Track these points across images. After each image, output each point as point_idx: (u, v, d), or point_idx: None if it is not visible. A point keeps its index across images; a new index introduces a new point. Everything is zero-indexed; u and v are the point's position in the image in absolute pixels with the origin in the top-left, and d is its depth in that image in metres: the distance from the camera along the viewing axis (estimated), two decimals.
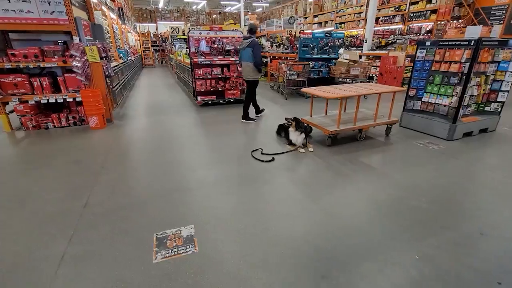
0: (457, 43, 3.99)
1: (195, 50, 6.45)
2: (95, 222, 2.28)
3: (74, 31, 4.51)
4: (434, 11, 10.62)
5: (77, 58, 4.50)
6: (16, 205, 2.54)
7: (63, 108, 5.06)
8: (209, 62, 6.29)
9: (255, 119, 5.42)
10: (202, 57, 6.32)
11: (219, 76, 6.48)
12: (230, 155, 3.68)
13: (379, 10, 12.69)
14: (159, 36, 20.77)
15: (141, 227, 2.21)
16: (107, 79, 5.35)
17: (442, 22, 10.14)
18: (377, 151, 3.81)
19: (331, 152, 3.76)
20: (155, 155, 3.70)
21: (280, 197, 2.66)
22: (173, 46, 12.57)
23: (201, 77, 6.33)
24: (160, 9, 21.44)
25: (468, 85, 3.90)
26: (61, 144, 4.13)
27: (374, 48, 9.99)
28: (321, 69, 7.59)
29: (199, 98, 6.49)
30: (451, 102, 4.08)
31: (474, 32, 3.93)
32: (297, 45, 9.69)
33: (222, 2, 28.42)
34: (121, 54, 8.94)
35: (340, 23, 16.15)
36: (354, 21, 15.10)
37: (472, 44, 3.77)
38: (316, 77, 7.61)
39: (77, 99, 4.79)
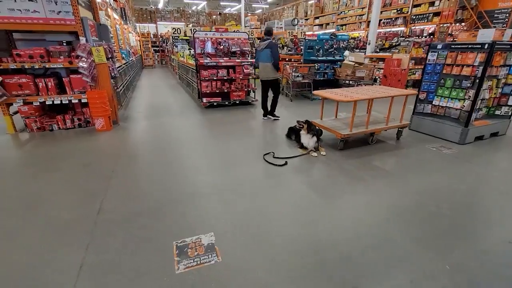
0: (470, 46, 3.97)
1: (200, 51, 6.38)
2: (111, 229, 2.20)
3: (80, 32, 4.42)
4: (436, 14, 10.64)
5: (83, 59, 4.42)
6: (27, 211, 2.46)
7: (68, 110, 4.97)
8: (215, 64, 6.22)
9: (279, 117, 5.58)
10: (208, 58, 6.25)
11: (225, 78, 6.42)
12: (242, 159, 3.62)
13: (381, 12, 12.70)
14: (159, 36, 20.66)
15: (159, 235, 2.14)
16: (112, 80, 5.27)
17: (445, 25, 10.16)
18: (390, 155, 3.76)
19: (343, 156, 3.71)
20: (165, 158, 3.62)
21: (299, 203, 2.60)
22: (174, 47, 12.49)
23: (207, 78, 6.27)
24: (160, 10, 21.34)
25: (481, 88, 3.87)
26: (68, 146, 4.04)
27: (378, 50, 9.98)
28: (327, 71, 7.55)
29: (204, 99, 6.42)
30: (464, 106, 4.05)
31: (487, 35, 3.90)
32: (301, 47, 9.68)
33: (222, 3, 28.42)
34: (123, 55, 8.85)
35: (342, 25, 16.17)
36: (355, 23, 15.12)
37: (486, 47, 3.74)
38: (321, 79, 7.57)
39: (83, 101, 4.71)
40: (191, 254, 1.93)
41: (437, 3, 10.68)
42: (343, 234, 2.15)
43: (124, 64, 7.96)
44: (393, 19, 12.74)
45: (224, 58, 6.40)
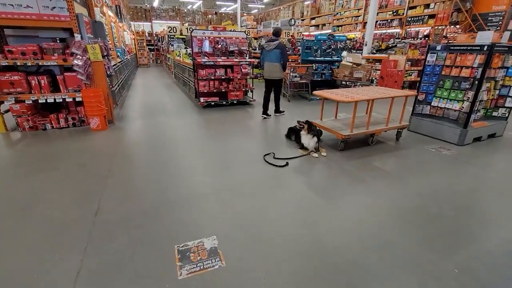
0: (469, 48, 3.99)
1: (198, 50, 6.30)
2: (109, 231, 2.12)
3: (75, 28, 4.31)
4: (431, 16, 10.76)
5: (78, 56, 4.31)
6: (23, 212, 2.36)
7: (61, 109, 4.84)
8: (212, 63, 6.15)
9: (270, 115, 5.73)
10: (206, 57, 6.18)
11: (223, 77, 6.36)
12: (242, 159, 3.56)
13: (377, 14, 12.78)
14: (154, 35, 20.46)
15: (160, 238, 2.07)
16: (108, 78, 5.15)
17: (440, 27, 10.28)
18: (391, 156, 3.75)
19: (344, 157, 3.68)
20: (163, 158, 3.54)
21: (301, 204, 2.56)
22: (170, 46, 12.36)
23: (204, 78, 6.19)
24: (155, 8, 21.12)
25: (481, 90, 3.89)
26: (62, 146, 3.92)
27: (374, 51, 10.03)
28: (324, 71, 7.54)
29: (201, 99, 6.34)
30: (463, 107, 4.07)
31: (485, 37, 3.93)
32: (299, 47, 9.66)
33: (217, 3, 28.30)
34: (118, 53, 8.70)
35: (338, 26, 16.24)
36: (351, 24, 15.19)
37: (485, 49, 3.77)
38: (319, 79, 7.57)
39: (77, 99, 4.59)
40: (194, 259, 1.86)
41: (432, 5, 10.81)
42: (346, 236, 2.12)
43: (119, 62, 7.83)
44: (389, 20, 12.84)
45: (222, 57, 6.33)
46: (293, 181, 3.01)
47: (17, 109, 4.42)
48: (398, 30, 12.50)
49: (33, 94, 4.38)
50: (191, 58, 7.93)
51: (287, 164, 3.39)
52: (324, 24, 17.50)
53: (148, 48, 19.47)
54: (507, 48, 3.97)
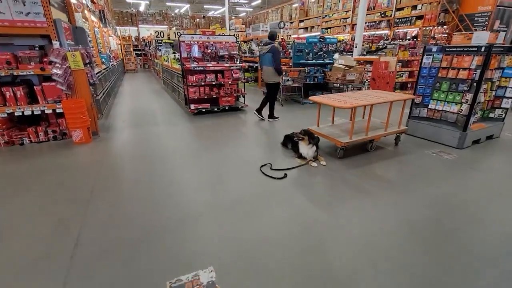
0: (465, 49, 3.91)
1: (186, 56, 6.06)
2: (90, 267, 1.86)
3: (53, 35, 4.01)
4: (419, 17, 10.85)
5: (57, 65, 4.01)
6: None
7: (40, 121, 4.50)
8: (202, 68, 5.92)
9: (264, 119, 5.72)
10: (195, 63, 5.94)
11: (213, 83, 6.13)
12: (237, 172, 3.34)
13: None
14: (141, 40, 20.03)
15: (149, 273, 1.82)
16: (91, 87, 4.85)
17: (428, 28, 10.36)
18: (392, 163, 3.61)
19: (344, 165, 3.51)
20: (152, 174, 3.29)
21: (304, 222, 2.36)
22: (158, 51, 12.06)
23: (194, 84, 5.95)
24: (141, 13, 20.71)
25: (479, 92, 3.81)
26: (41, 162, 3.61)
27: (365, 53, 10.01)
28: (317, 74, 7.42)
29: (192, 106, 6.09)
30: (461, 110, 3.98)
31: (481, 38, 3.86)
32: (289, 50, 9.53)
33: (205, 6, 28.10)
34: (103, 59, 8.35)
35: (326, 28, 16.27)
36: (340, 26, 15.24)
37: (482, 50, 3.69)
38: (311, 82, 7.44)
39: (58, 111, 4.28)
40: None
41: (419, 7, 10.90)
42: (358, 260, 1.93)
43: (104, 69, 7.49)
44: (377, 22, 12.91)
45: (212, 63, 6.11)
46: (293, 195, 2.81)
47: None
48: (386, 31, 12.58)
49: (8, 106, 4.04)
50: (179, 63, 7.68)
51: (285, 176, 3.19)
52: (312, 27, 17.52)
53: (135, 53, 19.05)
54: (502, 49, 3.92)
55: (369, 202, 2.67)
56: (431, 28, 10.41)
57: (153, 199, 2.72)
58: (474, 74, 3.79)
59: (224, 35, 7.86)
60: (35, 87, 4.17)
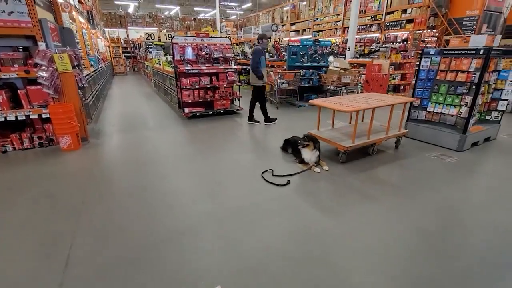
0: (464, 52, 3.91)
1: (180, 58, 5.89)
2: None
3: (39, 36, 3.78)
4: (409, 21, 11.01)
5: (43, 67, 3.78)
6: None
7: (25, 127, 4.23)
8: (196, 71, 5.76)
9: (259, 122, 5.64)
10: (189, 65, 5.78)
11: (208, 86, 5.98)
12: (237, 179, 3.20)
13: None
14: (130, 42, 19.64)
15: None
16: (79, 91, 4.61)
17: (418, 32, 10.53)
18: (394, 167, 3.55)
19: (346, 170, 3.42)
20: (148, 183, 3.10)
21: (312, 231, 2.23)
22: (149, 53, 11.80)
23: (188, 87, 5.78)
24: (130, 14, 20.33)
25: (479, 94, 3.81)
26: (26, 172, 3.36)
27: (358, 56, 10.07)
28: (312, 77, 7.37)
29: (186, 110, 5.91)
30: (461, 112, 3.97)
31: (479, 41, 3.87)
32: (284, 53, 9.47)
33: (195, 9, 27.91)
34: (92, 62, 8.06)
35: (318, 31, 16.36)
36: (331, 29, 15.35)
37: (481, 53, 3.69)
38: (307, 85, 7.38)
39: (44, 116, 4.03)
40: None
41: (409, 11, 11.07)
42: (375, 275, 1.82)
43: (93, 72, 7.22)
44: (368, 25, 13.05)
45: (206, 65, 5.96)
46: (297, 202, 2.69)
47: None
48: (377, 34, 12.72)
49: None
50: (172, 66, 7.49)
51: (288, 182, 3.07)
52: (304, 30, 17.59)
53: (125, 56, 18.64)
54: (498, 52, 3.94)
55: (376, 209, 2.58)
56: (421, 31, 10.58)
57: (149, 211, 2.54)
58: (473, 77, 3.79)
59: (219, 37, 7.72)
60: (18, 90, 3.92)
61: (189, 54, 5.92)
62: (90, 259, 1.93)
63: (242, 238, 2.16)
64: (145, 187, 2.98)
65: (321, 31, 16.11)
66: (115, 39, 18.06)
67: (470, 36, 4.04)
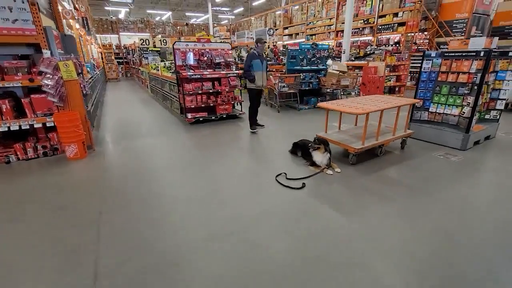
0: (464, 54, 4.04)
1: (181, 63, 5.87)
2: None
3: (44, 44, 3.72)
4: (401, 24, 11.30)
5: (48, 75, 3.71)
6: None
7: (28, 136, 4.14)
8: (199, 76, 5.76)
9: (263, 126, 5.47)
10: (191, 70, 5.77)
11: (210, 91, 5.97)
12: (251, 183, 3.21)
13: None
14: (123, 47, 19.46)
15: None
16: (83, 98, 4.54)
17: (410, 34, 10.81)
18: (403, 167, 3.61)
19: (358, 171, 3.47)
20: (163, 190, 3.07)
21: (340, 235, 2.25)
22: (144, 59, 11.72)
23: (191, 92, 5.76)
24: (122, 20, 20.17)
25: (480, 95, 3.93)
26: (33, 183, 3.28)
27: (353, 58, 10.26)
28: (312, 80, 7.46)
29: (189, 115, 5.89)
30: (463, 112, 4.09)
31: (478, 43, 4.01)
32: (281, 57, 9.57)
33: (187, 14, 27.92)
34: (88, 68, 7.95)
35: (311, 35, 16.59)
36: (324, 33, 15.59)
37: (482, 55, 3.82)
38: (307, 88, 7.46)
39: (48, 124, 3.95)
40: None
41: (400, 14, 11.37)
42: (406, 275, 1.84)
43: (90, 78, 7.11)
44: (361, 29, 13.32)
45: (208, 70, 5.96)
46: (317, 206, 2.71)
47: None
48: (370, 37, 13.00)
49: None
50: (171, 71, 7.46)
51: (304, 185, 3.09)
52: (297, 34, 17.81)
53: (117, 61, 18.44)
54: (497, 53, 4.09)
55: (394, 209, 2.62)
56: (413, 34, 10.87)
57: (170, 219, 2.51)
58: (475, 78, 3.92)
59: (220, 42, 7.74)
60: (22, 99, 3.83)
61: (191, 59, 5.91)
62: (119, 270, 1.89)
63: (270, 243, 2.16)
64: (161, 195, 2.95)
65: (314, 34, 16.34)
66: (107, 45, 17.87)
67: (469, 38, 4.18)
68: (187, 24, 23.22)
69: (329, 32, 15.24)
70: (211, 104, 6.07)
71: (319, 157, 3.45)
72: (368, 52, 9.95)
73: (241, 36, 17.14)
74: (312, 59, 7.58)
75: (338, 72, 7.21)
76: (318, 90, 8.00)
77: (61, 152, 4.14)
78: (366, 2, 12.90)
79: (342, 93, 8.18)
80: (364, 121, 3.52)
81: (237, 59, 11.74)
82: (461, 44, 4.26)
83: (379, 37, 12.63)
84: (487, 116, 4.69)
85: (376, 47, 10.73)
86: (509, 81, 4.35)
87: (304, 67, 7.40)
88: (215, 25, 23.25)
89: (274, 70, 8.61)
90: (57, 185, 3.20)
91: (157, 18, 25.49)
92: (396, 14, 11.60)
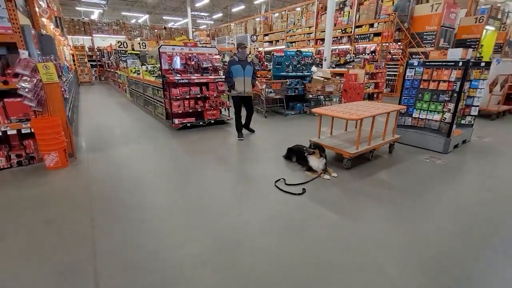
0: (444, 63, 4.32)
1: (168, 68, 5.71)
2: None
3: (20, 43, 3.42)
4: (377, 34, 11.93)
5: (25, 77, 3.41)
6: None
7: (0, 144, 3.76)
8: (187, 81, 5.62)
9: (254, 131, 5.59)
10: (178, 75, 5.62)
11: (198, 96, 5.85)
12: (250, 189, 3.15)
13: None
14: (96, 50, 18.58)
15: None
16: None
17: (385, 44, 11.43)
18: (395, 171, 3.75)
19: (353, 176, 3.55)
20: (155, 200, 2.91)
21: (347, 240, 2.26)
22: (122, 62, 11.25)
23: (179, 97, 5.60)
24: (96, 22, 19.30)
25: (460, 101, 4.21)
26: (11, 195, 2.96)
27: (334, 66, 10.61)
28: (297, 86, 7.58)
29: (176, 121, 5.71)
30: (445, 118, 4.35)
31: (455, 54, 4.32)
32: (266, 63, 9.65)
33: (164, 18, 27.40)
34: (63, 71, 7.46)
35: (291, 42, 16.97)
36: (304, 40, 16.02)
37: (460, 64, 4.11)
38: (293, 94, 7.57)
39: (24, 131, 3.62)
40: None
41: (376, 25, 12.01)
42: (417, 275, 1.89)
43: (65, 81, 6.67)
44: (339, 37, 13.87)
45: (196, 75, 5.85)
46: (320, 211, 2.71)
47: None
48: (348, 46, 13.56)
49: None
50: (155, 76, 7.23)
51: (304, 191, 3.09)
52: (277, 40, 18.13)
53: (90, 64, 17.54)
54: (472, 64, 4.43)
55: (395, 211, 2.70)
56: (387, 44, 11.50)
57: (170, 229, 2.38)
58: (455, 86, 4.20)
59: (207, 47, 7.62)
60: None
61: (178, 63, 5.77)
62: (122, 285, 1.74)
63: (284, 250, 2.12)
64: (155, 205, 2.79)
65: (294, 42, 16.74)
66: (79, 47, 16.96)
67: (439, 49, 4.49)
68: (165, 28, 22.74)
69: (309, 40, 15.69)
70: (198, 110, 5.93)
71: (315, 162, 3.48)
72: (348, 60, 10.35)
73: (222, 41, 17.08)
74: (297, 66, 7.72)
75: (323, 78, 7.40)
76: (303, 96, 8.15)
77: (38, 161, 3.81)
78: (344, 12, 13.48)
79: (325, 99, 8.41)
80: (358, 126, 3.61)
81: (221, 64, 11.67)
82: (441, 54, 4.55)
83: (356, 46, 13.22)
84: (463, 121, 5.03)
85: (354, 55, 11.19)
86: (481, 89, 4.72)
87: (290, 73, 7.51)
88: (194, 30, 23.02)
89: (259, 75, 8.65)
90: (38, 198, 2.92)
91: (133, 21, 24.75)
92: (372, 25, 12.23)
